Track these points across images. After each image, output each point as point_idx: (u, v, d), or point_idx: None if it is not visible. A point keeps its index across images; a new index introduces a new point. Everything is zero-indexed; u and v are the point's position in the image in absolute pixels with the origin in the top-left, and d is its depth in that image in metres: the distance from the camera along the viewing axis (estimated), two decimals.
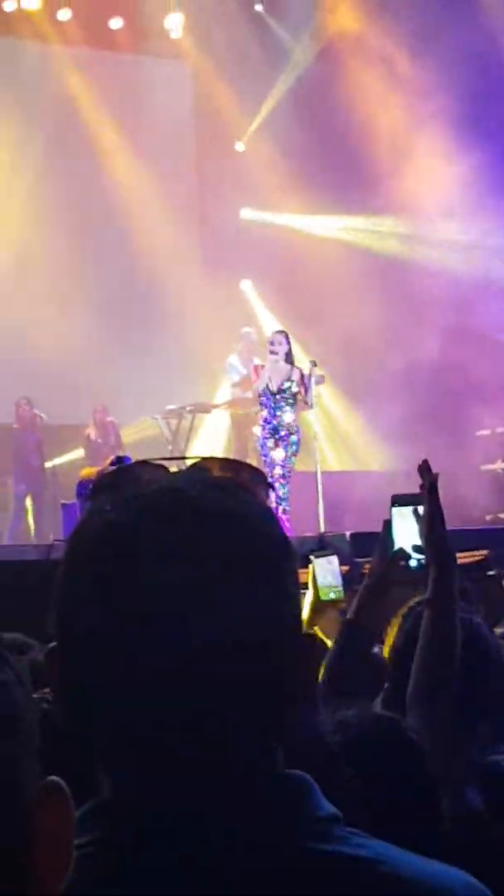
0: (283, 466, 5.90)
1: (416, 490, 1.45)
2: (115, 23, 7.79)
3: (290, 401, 5.79)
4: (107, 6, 7.77)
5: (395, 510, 1.49)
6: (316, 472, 5.95)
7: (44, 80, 7.65)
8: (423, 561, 1.45)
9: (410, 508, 1.45)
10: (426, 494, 1.41)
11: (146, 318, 7.38)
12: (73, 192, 7.32)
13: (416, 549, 1.44)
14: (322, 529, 5.65)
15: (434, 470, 1.43)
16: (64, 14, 7.52)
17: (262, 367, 5.91)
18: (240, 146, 8.02)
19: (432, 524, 1.39)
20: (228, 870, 0.53)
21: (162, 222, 7.46)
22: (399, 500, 1.49)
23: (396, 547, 1.49)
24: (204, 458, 0.61)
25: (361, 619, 1.53)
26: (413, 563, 1.46)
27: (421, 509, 1.42)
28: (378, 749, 1.06)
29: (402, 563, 1.48)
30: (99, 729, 0.54)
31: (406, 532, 1.47)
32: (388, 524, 1.50)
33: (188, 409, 6.70)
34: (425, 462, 1.42)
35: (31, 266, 7.05)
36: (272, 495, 3.41)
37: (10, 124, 7.37)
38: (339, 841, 0.55)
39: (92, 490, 0.61)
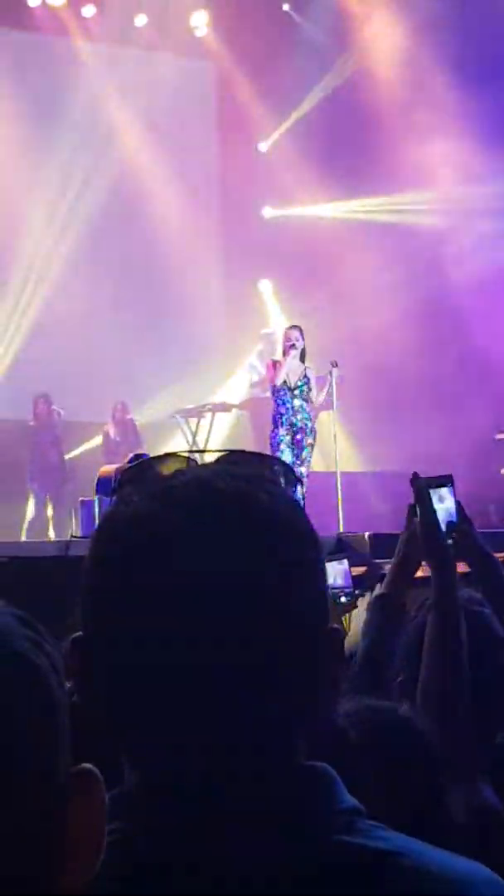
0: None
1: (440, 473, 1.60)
2: (140, 20, 7.81)
3: (305, 398, 5.81)
4: (132, 3, 7.80)
5: (421, 493, 1.53)
6: (336, 473, 5.98)
7: (67, 75, 7.76)
8: (450, 539, 1.52)
9: (439, 491, 1.52)
10: (418, 504, 1.46)
11: (167, 317, 7.52)
12: (96, 190, 7.48)
13: (454, 539, 1.52)
14: (341, 529, 5.70)
15: (455, 472, 1.57)
16: (88, 10, 7.62)
17: (280, 363, 5.89)
18: (263, 146, 8.05)
19: (427, 532, 1.43)
20: (249, 861, 0.53)
21: (183, 221, 7.60)
22: (426, 483, 1.54)
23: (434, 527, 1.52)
24: (232, 452, 0.62)
25: (395, 595, 1.56)
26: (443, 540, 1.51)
27: (445, 491, 1.52)
28: (389, 744, 1.06)
29: (442, 538, 1.50)
30: (125, 716, 0.54)
31: (443, 510, 1.54)
32: (413, 506, 1.53)
33: (208, 407, 6.83)
34: (415, 474, 1.48)
35: (53, 265, 7.16)
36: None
37: (33, 121, 7.49)
38: (362, 834, 0.55)
39: (118, 483, 0.62)
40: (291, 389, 5.86)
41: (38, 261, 7.14)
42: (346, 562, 3.37)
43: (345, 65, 7.57)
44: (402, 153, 7.12)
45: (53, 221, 7.29)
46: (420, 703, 1.34)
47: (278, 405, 5.98)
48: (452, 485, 1.58)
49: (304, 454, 5.94)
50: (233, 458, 0.62)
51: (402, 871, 0.55)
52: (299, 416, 5.88)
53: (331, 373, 5.85)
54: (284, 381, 5.89)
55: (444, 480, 1.57)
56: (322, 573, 0.61)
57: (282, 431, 5.94)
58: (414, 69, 7.03)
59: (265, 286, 8.06)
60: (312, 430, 5.97)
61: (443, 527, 1.51)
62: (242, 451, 0.65)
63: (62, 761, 0.41)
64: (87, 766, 0.42)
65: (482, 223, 6.89)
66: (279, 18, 7.83)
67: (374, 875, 0.54)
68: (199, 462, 0.62)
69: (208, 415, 6.84)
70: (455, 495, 1.61)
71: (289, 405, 5.91)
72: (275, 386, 5.96)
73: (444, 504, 1.54)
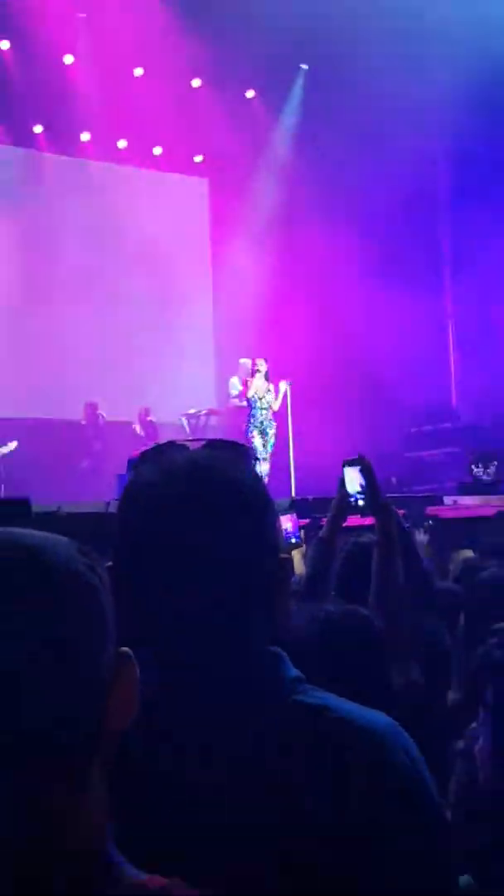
0: (260, 453, 8.46)
1: (353, 455, 2.07)
2: (157, 150, 10.44)
3: (268, 406, 8.38)
4: (153, 136, 10.36)
5: (345, 469, 2.04)
6: (290, 455, 8.47)
7: (69, 189, 10.00)
8: (361, 500, 1.98)
9: (353, 468, 1.99)
10: (365, 474, 1.93)
11: (174, 350, 10.11)
12: (101, 296, 9.83)
13: (357, 493, 1.98)
14: (293, 494, 8.23)
15: (369, 455, 2.01)
16: (119, 141, 10.26)
17: (249, 381, 8.45)
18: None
19: (372, 491, 1.90)
20: (223, 710, 0.73)
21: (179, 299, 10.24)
22: (346, 462, 2.03)
23: (348, 493, 2.04)
24: (214, 440, 0.84)
25: (329, 538, 2.03)
26: (356, 501, 2.00)
27: (358, 469, 1.96)
28: (349, 631, 1.33)
29: (351, 500, 2.00)
30: (139, 619, 0.72)
31: (351, 482, 2.00)
32: (341, 479, 2.02)
33: (204, 412, 9.52)
34: (360, 454, 2.00)
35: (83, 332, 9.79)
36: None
37: (40, 230, 9.73)
38: (303, 694, 0.76)
39: (137, 462, 0.84)
40: (259, 399, 8.35)
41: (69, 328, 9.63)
42: (294, 515, 4.42)
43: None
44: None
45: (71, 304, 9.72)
46: (372, 604, 1.72)
47: (250, 411, 8.41)
48: (363, 462, 1.97)
49: (269, 444, 8.42)
50: (215, 444, 0.82)
51: (329, 719, 0.74)
52: (264, 418, 8.34)
53: (286, 389, 8.46)
54: (253, 395, 8.35)
55: (356, 461, 1.99)
56: (276, 523, 0.82)
57: (252, 429, 8.38)
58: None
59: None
60: (273, 427, 8.44)
61: (358, 488, 1.98)
62: (222, 440, 0.85)
63: (110, 646, 0.56)
64: (126, 649, 0.58)
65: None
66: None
67: (314, 721, 0.74)
68: (193, 449, 0.81)
69: (203, 417, 9.46)
70: (366, 469, 1.98)
71: (255, 411, 8.34)
72: (247, 398, 8.45)
73: (356, 474, 2.00)
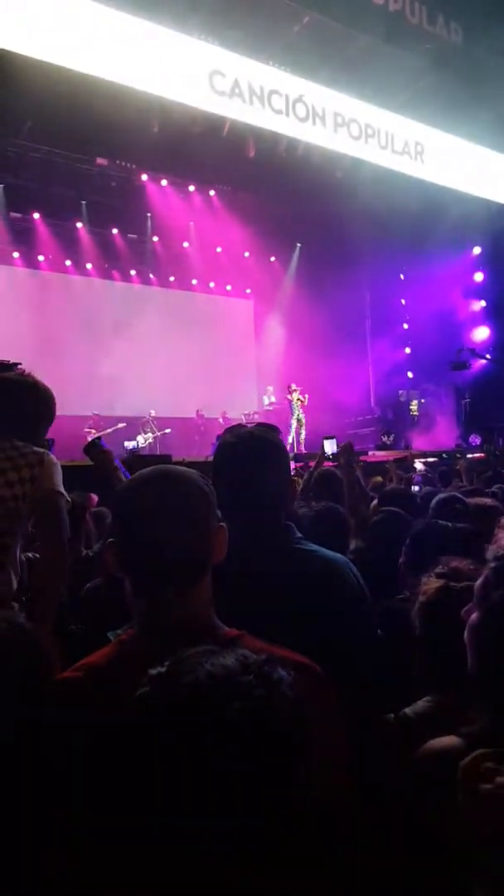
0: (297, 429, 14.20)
1: (330, 433, 5.55)
2: (228, 287, 19.46)
3: (298, 405, 14.33)
4: (226, 280, 17.78)
5: (324, 440, 5.96)
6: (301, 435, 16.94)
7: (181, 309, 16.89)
8: (332, 455, 4.77)
9: (329, 441, 5.67)
10: (343, 450, 3.29)
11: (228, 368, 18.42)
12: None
13: (332, 454, 4.85)
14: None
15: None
16: (209, 283, 19.55)
17: (290, 395, 14.17)
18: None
19: (340, 450, 3.44)
20: (265, 548, 1.37)
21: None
22: (325, 437, 5.89)
23: (326, 452, 5.00)
24: (261, 423, 1.54)
25: (314, 472, 3.58)
26: (329, 457, 4.80)
27: (334, 442, 4.84)
28: (328, 515, 2.30)
29: (328, 456, 4.83)
30: (227, 505, 1.09)
31: (328, 447, 5.40)
32: (322, 445, 5.15)
33: (254, 413, 15.77)
34: (333, 436, 4.67)
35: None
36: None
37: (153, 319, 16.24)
38: (304, 545, 1.44)
39: (223, 434, 1.46)
40: (296, 403, 14.02)
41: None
42: (334, 441, 6.09)
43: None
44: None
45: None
46: (345, 503, 2.76)
47: (290, 408, 13.97)
48: (334, 437, 5.56)
49: (302, 426, 14.26)
50: (262, 425, 1.51)
51: (318, 554, 1.42)
52: (298, 413, 14.05)
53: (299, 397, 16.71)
54: (293, 400, 13.90)
55: (329, 436, 5.37)
56: (288, 466, 1.48)
57: (293, 418, 13.88)
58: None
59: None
60: (301, 422, 14.08)
61: (329, 449, 4.86)
62: (265, 423, 1.54)
63: (214, 517, 1.06)
64: (222, 522, 1.05)
65: None
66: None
67: (308, 555, 1.41)
68: (250, 427, 1.52)
69: (254, 416, 15.29)
70: (338, 442, 4.61)
71: (294, 408, 14.00)
72: (289, 402, 13.95)
73: (329, 443, 5.15)
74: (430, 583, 1.57)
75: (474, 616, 1.18)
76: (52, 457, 2.25)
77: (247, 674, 0.80)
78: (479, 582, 1.20)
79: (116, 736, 0.83)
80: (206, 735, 0.76)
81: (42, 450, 2.24)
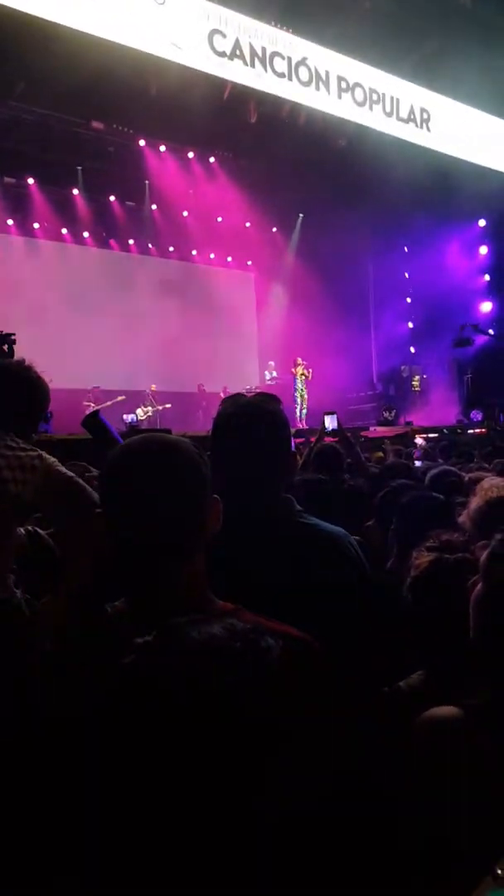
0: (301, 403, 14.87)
1: (331, 409, 4.60)
2: (229, 258, 19.21)
3: (302, 379, 15.04)
4: (228, 251, 17.95)
5: (325, 416, 4.57)
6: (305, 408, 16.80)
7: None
8: (332, 429, 4.30)
9: (330, 416, 4.46)
10: (335, 420, 4.27)
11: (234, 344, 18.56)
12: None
13: (332, 430, 4.29)
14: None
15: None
16: (210, 254, 19.29)
17: (295, 368, 14.89)
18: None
19: (337, 426, 4.35)
20: (264, 523, 1.36)
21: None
22: (326, 412, 4.52)
23: (325, 427, 4.45)
24: (260, 392, 1.53)
25: (315, 447, 3.71)
26: (329, 432, 4.38)
27: (334, 416, 4.35)
28: (318, 485, 2.49)
29: (329, 432, 4.35)
30: (223, 478, 1.17)
31: (328, 423, 4.39)
32: (322, 420, 4.36)
33: (256, 387, 14.54)
34: (334, 411, 4.43)
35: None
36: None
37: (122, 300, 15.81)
38: (304, 517, 1.42)
39: (224, 401, 1.47)
40: (299, 377, 14.41)
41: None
42: (335, 416, 5.55)
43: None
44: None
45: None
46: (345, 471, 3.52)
47: (294, 382, 14.24)
48: (334, 412, 4.47)
49: (304, 399, 14.45)
50: (260, 394, 1.52)
51: (318, 528, 1.42)
52: (302, 386, 14.51)
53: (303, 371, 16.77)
54: (297, 374, 14.24)
55: (330, 412, 4.39)
56: (289, 437, 1.40)
57: (297, 392, 14.14)
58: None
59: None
60: (304, 397, 14.43)
61: (329, 425, 4.26)
62: (265, 392, 1.54)
63: (209, 490, 1.05)
64: (216, 496, 1.05)
65: None
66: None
67: (308, 528, 1.41)
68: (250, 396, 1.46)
69: (252, 388, 15.91)
70: (338, 418, 4.35)
71: (297, 382, 14.32)
72: (293, 375, 14.29)
73: (330, 419, 4.25)
74: (422, 556, 1.57)
75: (479, 588, 1.19)
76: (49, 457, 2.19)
77: (234, 641, 0.80)
78: (485, 554, 1.20)
79: (98, 707, 0.83)
80: (193, 703, 0.76)
81: (37, 452, 2.14)
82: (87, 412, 2.98)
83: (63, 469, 2.16)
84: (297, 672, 0.87)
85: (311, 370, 14.43)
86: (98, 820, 0.84)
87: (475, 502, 2.07)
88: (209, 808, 0.75)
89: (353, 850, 1.00)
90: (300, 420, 14.07)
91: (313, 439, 4.66)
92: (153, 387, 15.18)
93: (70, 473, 2.16)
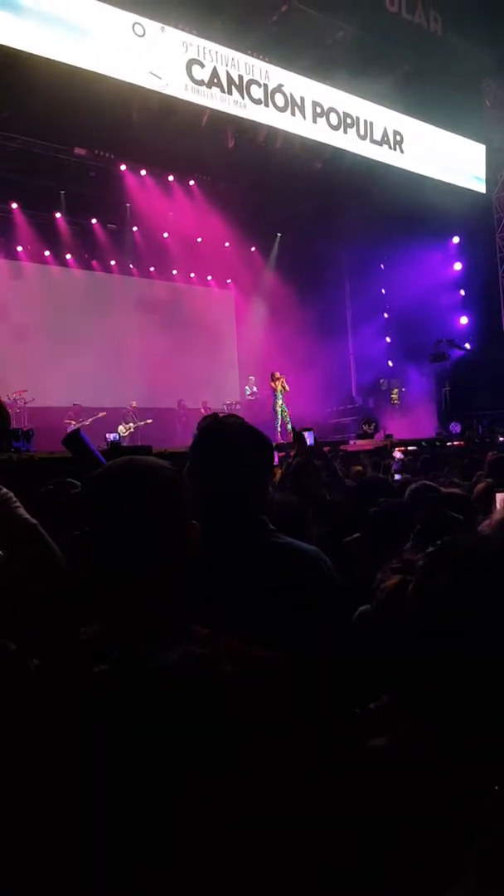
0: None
1: (308, 425, 4.86)
2: (209, 277, 19.56)
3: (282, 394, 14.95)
4: (207, 271, 18.02)
5: (303, 433, 4.31)
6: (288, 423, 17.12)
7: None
8: (311, 447, 4.18)
9: (307, 433, 4.32)
10: (311, 436, 4.21)
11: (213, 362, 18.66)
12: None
13: (309, 447, 4.20)
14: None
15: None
16: (190, 274, 19.56)
17: (275, 382, 14.63)
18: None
19: (314, 443, 4.30)
20: (239, 543, 1.41)
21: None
22: (303, 429, 4.33)
23: (303, 444, 4.25)
24: (234, 414, 1.69)
25: (293, 467, 3.55)
26: (306, 448, 4.15)
27: (310, 433, 4.23)
28: (293, 510, 2.29)
29: (305, 448, 4.16)
30: (200, 499, 1.20)
31: (309, 438, 4.30)
32: (299, 437, 4.26)
33: (236, 403, 16.25)
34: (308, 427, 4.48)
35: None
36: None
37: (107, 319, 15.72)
38: (276, 537, 1.46)
39: (202, 422, 1.52)
40: (279, 391, 14.27)
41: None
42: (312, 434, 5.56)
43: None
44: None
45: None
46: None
47: (274, 397, 14.11)
48: (313, 430, 4.43)
49: (286, 415, 14.18)
50: (235, 416, 1.58)
51: (290, 546, 1.44)
52: (282, 401, 14.29)
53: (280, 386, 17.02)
54: (277, 389, 14.23)
55: (309, 428, 4.28)
56: (266, 456, 1.50)
57: (277, 406, 14.02)
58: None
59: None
60: (284, 410, 14.17)
61: (308, 444, 4.15)
62: (232, 414, 1.59)
63: (188, 514, 1.03)
64: (194, 521, 0.99)
65: None
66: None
67: (280, 546, 1.43)
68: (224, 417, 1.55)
69: (235, 407, 15.85)
70: (313, 433, 4.33)
71: (278, 397, 14.22)
72: (273, 391, 14.22)
73: (310, 436, 4.09)
74: (388, 578, 1.56)
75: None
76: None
77: (188, 669, 0.82)
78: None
79: (60, 729, 0.86)
80: (141, 731, 0.79)
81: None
82: (69, 430, 2.95)
83: (23, 513, 1.91)
84: (255, 696, 0.88)
85: (286, 384, 14.51)
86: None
87: (500, 515, 1.98)
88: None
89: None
90: (279, 433, 14.12)
91: (293, 453, 4.69)
92: (133, 403, 15.27)
93: (32, 521, 1.90)
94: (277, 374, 14.52)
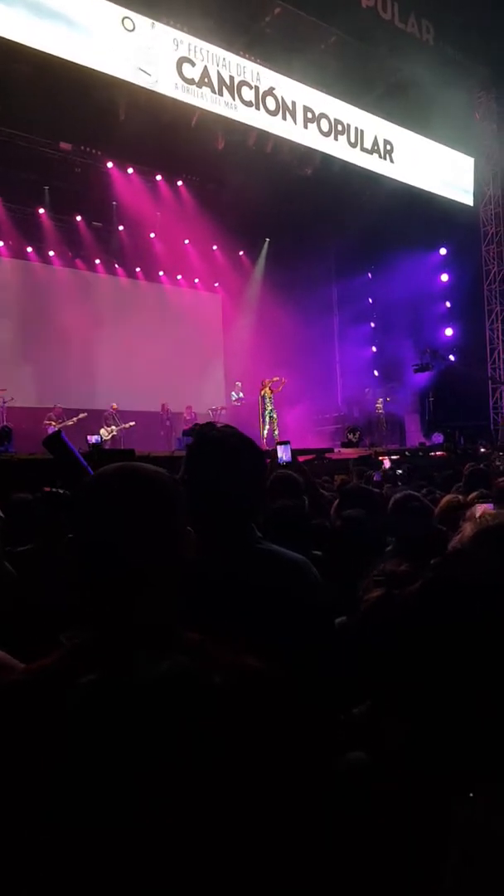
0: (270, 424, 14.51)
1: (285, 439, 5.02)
2: (196, 280, 19.43)
3: (271, 401, 15.27)
4: (195, 274, 17.68)
5: (278, 447, 4.09)
6: (276, 431, 16.99)
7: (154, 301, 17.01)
8: (288, 462, 3.87)
9: (283, 446, 4.08)
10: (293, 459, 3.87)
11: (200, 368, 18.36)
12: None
13: (286, 462, 3.90)
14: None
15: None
16: (177, 276, 19.39)
17: (263, 389, 15.70)
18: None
19: (296, 465, 3.85)
20: (230, 550, 1.42)
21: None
22: (279, 442, 4.11)
23: (279, 457, 3.99)
24: (226, 424, 1.53)
25: (273, 479, 3.39)
26: (282, 463, 3.87)
27: (287, 446, 3.95)
28: (288, 516, 2.49)
29: (280, 463, 3.90)
30: (194, 507, 1.14)
31: (281, 453, 4.00)
32: (274, 451, 4.06)
33: (221, 408, 15.70)
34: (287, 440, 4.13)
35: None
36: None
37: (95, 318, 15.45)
38: (262, 544, 1.47)
39: (191, 430, 4.76)
40: (267, 398, 14.29)
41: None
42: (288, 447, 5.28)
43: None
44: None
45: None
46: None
47: (263, 403, 14.19)
48: (289, 443, 4.10)
49: (274, 424, 14.38)
50: (227, 426, 1.52)
51: (278, 555, 1.46)
52: (271, 407, 14.33)
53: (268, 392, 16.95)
54: (264, 395, 14.27)
55: (285, 441, 4.01)
56: (263, 464, 1.50)
57: (265, 413, 14.05)
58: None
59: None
60: (273, 418, 14.21)
61: (283, 460, 3.88)
62: (229, 425, 1.52)
63: (183, 521, 1.01)
64: (189, 529, 0.97)
65: None
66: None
67: (268, 553, 1.45)
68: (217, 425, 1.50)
69: (221, 412, 15.24)
70: (289, 446, 3.97)
71: (266, 403, 14.14)
72: (262, 397, 14.17)
73: (285, 450, 3.92)
74: (371, 592, 1.56)
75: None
76: None
77: (178, 680, 0.82)
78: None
79: (51, 742, 0.85)
80: (130, 741, 0.78)
81: None
82: (49, 431, 2.94)
83: None
84: (244, 707, 0.90)
85: (281, 383, 14.32)
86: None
87: (470, 529, 2.02)
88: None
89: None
90: (264, 441, 14.03)
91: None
92: (114, 405, 14.99)
93: None
94: (265, 381, 14.42)
